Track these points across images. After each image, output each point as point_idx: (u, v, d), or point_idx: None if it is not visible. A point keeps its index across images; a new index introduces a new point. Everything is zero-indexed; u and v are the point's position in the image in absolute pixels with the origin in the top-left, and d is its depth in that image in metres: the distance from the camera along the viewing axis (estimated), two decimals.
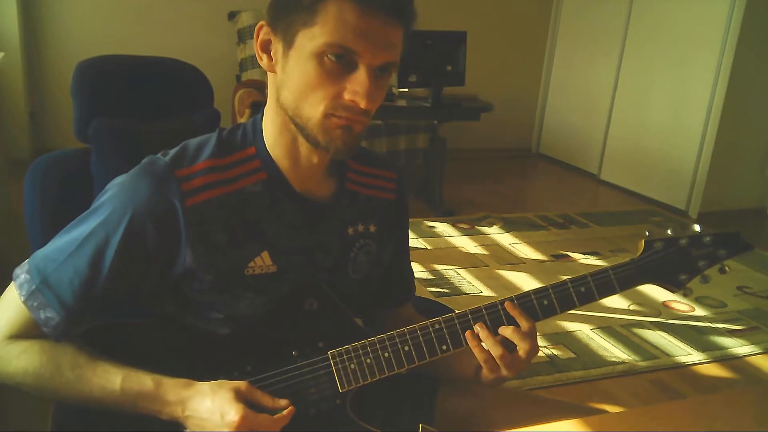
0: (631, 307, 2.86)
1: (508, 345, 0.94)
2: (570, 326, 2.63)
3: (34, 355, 0.87)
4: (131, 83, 1.19)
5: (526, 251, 3.42)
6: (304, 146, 0.93)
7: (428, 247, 3.36)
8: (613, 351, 2.46)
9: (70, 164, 1.15)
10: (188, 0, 4.45)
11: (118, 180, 0.90)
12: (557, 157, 5.42)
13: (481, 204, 4.13)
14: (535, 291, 0.96)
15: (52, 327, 0.87)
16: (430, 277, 2.99)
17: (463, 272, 3.08)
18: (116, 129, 1.14)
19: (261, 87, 4.07)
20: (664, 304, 2.89)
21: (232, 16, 4.54)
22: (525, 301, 0.96)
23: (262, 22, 0.90)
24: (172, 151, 0.92)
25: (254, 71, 4.45)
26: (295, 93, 0.87)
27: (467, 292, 2.87)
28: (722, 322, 2.77)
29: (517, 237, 3.61)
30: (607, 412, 1.12)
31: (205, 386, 0.87)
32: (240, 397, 0.85)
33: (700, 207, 4.21)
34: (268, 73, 0.92)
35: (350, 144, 0.89)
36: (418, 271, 3.01)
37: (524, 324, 0.94)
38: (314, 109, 0.87)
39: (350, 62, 0.85)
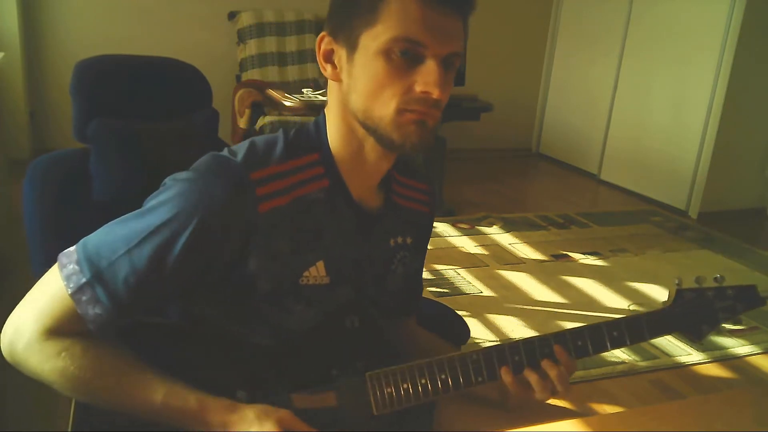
0: (631, 307, 2.85)
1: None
2: (570, 326, 2.62)
3: (75, 357, 0.82)
4: (130, 83, 1.19)
5: (526, 251, 3.42)
6: (373, 152, 0.93)
7: (428, 247, 3.36)
8: (613, 351, 2.45)
9: (69, 164, 1.14)
10: (188, 0, 4.45)
11: (183, 176, 0.86)
12: (557, 157, 5.42)
13: (481, 204, 4.13)
14: (571, 332, 0.97)
15: (99, 323, 0.83)
16: (430, 277, 2.99)
17: (463, 272, 3.08)
18: (116, 129, 1.13)
19: (261, 87, 4.07)
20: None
21: (232, 16, 4.54)
22: (561, 341, 0.96)
23: (323, 33, 0.91)
24: (241, 151, 0.89)
25: (254, 71, 4.45)
26: (364, 95, 0.87)
27: (467, 292, 2.87)
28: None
29: (517, 237, 3.61)
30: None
31: (249, 412, 0.83)
32: (283, 426, 0.83)
33: (700, 207, 4.21)
34: (331, 83, 0.93)
35: (426, 139, 0.88)
36: None
37: (567, 364, 0.95)
38: (386, 107, 0.86)
39: (417, 55, 0.84)
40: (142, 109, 1.17)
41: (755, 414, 0.97)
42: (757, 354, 2.54)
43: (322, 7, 4.39)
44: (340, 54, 0.89)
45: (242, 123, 4.26)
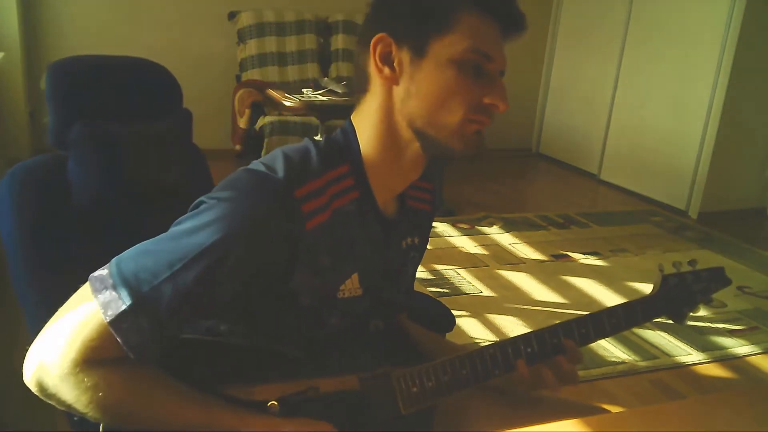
0: None
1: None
2: None
3: (114, 388, 0.78)
4: (105, 85, 1.15)
5: (526, 251, 3.42)
6: (411, 159, 0.93)
7: (428, 247, 3.36)
8: (613, 351, 2.46)
9: (45, 171, 1.08)
10: (188, 0, 4.45)
11: (224, 195, 0.82)
12: (557, 157, 5.42)
13: (481, 204, 4.13)
14: (576, 321, 1.02)
15: (140, 350, 0.77)
16: (430, 277, 2.99)
17: (463, 272, 3.08)
18: (98, 134, 1.09)
19: (261, 87, 4.06)
20: None
21: (232, 16, 4.54)
22: (568, 330, 1.01)
23: (381, 35, 0.88)
24: (278, 166, 0.85)
25: (254, 71, 4.45)
26: (429, 101, 0.87)
27: (467, 292, 2.87)
28: (722, 322, 2.77)
29: (517, 237, 3.61)
30: (607, 411, 1.12)
31: (290, 427, 0.84)
32: None
33: (700, 207, 4.21)
34: (376, 87, 0.90)
35: (482, 147, 0.91)
36: (419, 270, 3.00)
37: (575, 354, 1.00)
38: (453, 116, 0.87)
39: (483, 69, 0.87)
40: (119, 112, 1.13)
41: (755, 414, 0.97)
42: (757, 354, 2.54)
43: (322, 7, 4.40)
44: (403, 57, 0.88)
45: (242, 123, 4.26)
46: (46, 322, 0.81)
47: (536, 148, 5.65)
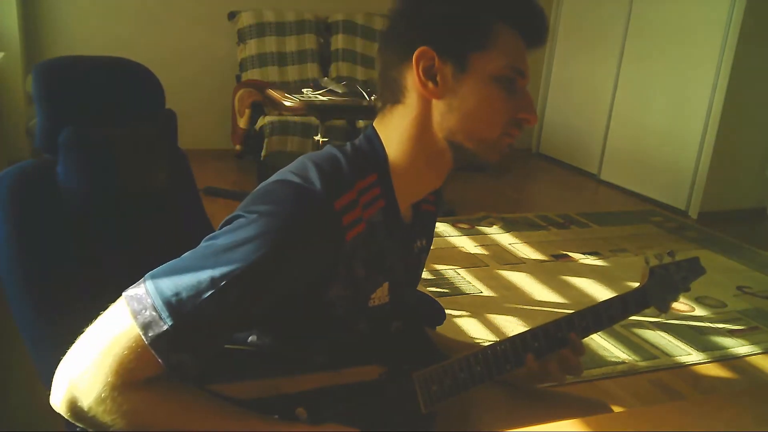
0: None
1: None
2: None
3: (154, 410, 0.76)
4: (92, 86, 1.13)
5: (526, 251, 3.42)
6: (439, 169, 0.94)
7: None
8: (613, 351, 2.46)
9: (34, 177, 1.06)
10: (188, 0, 4.45)
11: (264, 209, 0.79)
12: (557, 157, 5.42)
13: (481, 204, 4.13)
14: (577, 314, 1.05)
15: (182, 370, 0.76)
16: (430, 277, 2.99)
17: (463, 272, 3.08)
18: (89, 137, 1.07)
19: (261, 87, 4.06)
20: None
21: (232, 16, 4.54)
22: (570, 324, 1.04)
23: (424, 48, 0.87)
24: (313, 177, 0.83)
25: (254, 71, 4.45)
26: (471, 116, 0.88)
27: (467, 292, 2.87)
28: (722, 322, 2.77)
29: (517, 237, 3.61)
30: (609, 405, 1.13)
31: None
32: None
33: (700, 207, 4.21)
34: (418, 98, 0.89)
35: (509, 159, 0.94)
36: None
37: (579, 347, 1.04)
38: (493, 130, 0.90)
39: (515, 83, 0.90)
40: (103, 113, 1.11)
41: (755, 414, 0.97)
42: (757, 354, 2.54)
43: (322, 7, 4.41)
44: (445, 72, 0.88)
45: (242, 123, 4.26)
46: (37, 326, 0.79)
47: (536, 148, 5.65)
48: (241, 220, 0.80)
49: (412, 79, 0.89)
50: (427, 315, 1.30)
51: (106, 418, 0.74)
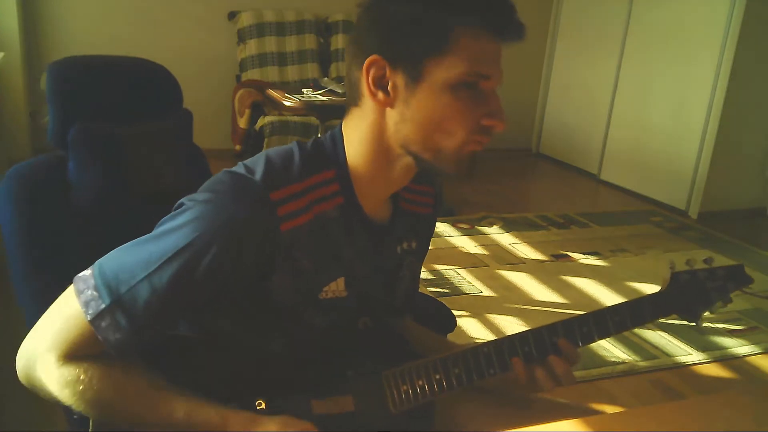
0: None
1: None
2: None
3: (95, 381, 0.81)
4: (105, 85, 1.14)
5: (526, 251, 3.42)
6: (401, 170, 0.92)
7: (429, 247, 3.36)
8: (613, 351, 2.46)
9: (45, 172, 1.08)
10: (188, 0, 4.45)
11: (201, 198, 0.84)
12: (557, 157, 5.42)
13: (481, 204, 4.12)
14: (578, 319, 0.97)
15: (119, 347, 0.81)
16: (430, 277, 2.99)
17: (463, 272, 3.08)
18: (98, 134, 1.09)
19: (261, 87, 4.07)
20: None
21: (232, 16, 4.54)
22: (568, 329, 0.97)
23: (374, 57, 0.85)
24: (258, 169, 0.86)
25: (254, 71, 4.45)
26: (425, 126, 0.85)
27: (467, 292, 2.87)
28: (722, 322, 2.77)
29: (517, 237, 3.61)
30: (602, 413, 1.12)
31: (271, 424, 0.84)
32: None
33: (700, 207, 4.21)
34: (367, 106, 0.88)
35: (473, 167, 0.89)
36: None
37: (571, 355, 0.96)
38: (452, 139, 0.86)
39: (479, 87, 0.85)
40: (119, 112, 1.13)
41: (755, 414, 0.97)
42: (757, 354, 2.54)
43: (322, 7, 4.40)
44: (397, 81, 0.85)
45: (242, 123, 4.26)
46: None
47: (536, 148, 5.65)
48: (183, 206, 0.84)
49: (365, 88, 0.87)
50: (436, 321, 1.29)
51: (53, 388, 0.81)
